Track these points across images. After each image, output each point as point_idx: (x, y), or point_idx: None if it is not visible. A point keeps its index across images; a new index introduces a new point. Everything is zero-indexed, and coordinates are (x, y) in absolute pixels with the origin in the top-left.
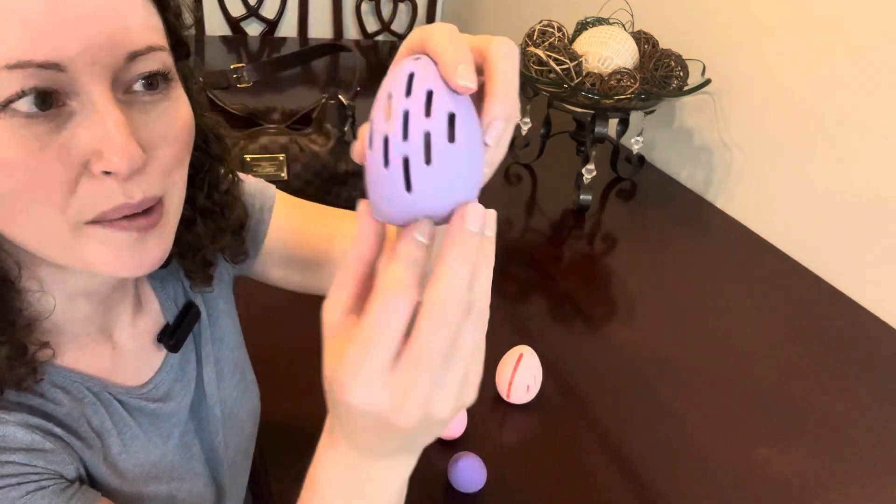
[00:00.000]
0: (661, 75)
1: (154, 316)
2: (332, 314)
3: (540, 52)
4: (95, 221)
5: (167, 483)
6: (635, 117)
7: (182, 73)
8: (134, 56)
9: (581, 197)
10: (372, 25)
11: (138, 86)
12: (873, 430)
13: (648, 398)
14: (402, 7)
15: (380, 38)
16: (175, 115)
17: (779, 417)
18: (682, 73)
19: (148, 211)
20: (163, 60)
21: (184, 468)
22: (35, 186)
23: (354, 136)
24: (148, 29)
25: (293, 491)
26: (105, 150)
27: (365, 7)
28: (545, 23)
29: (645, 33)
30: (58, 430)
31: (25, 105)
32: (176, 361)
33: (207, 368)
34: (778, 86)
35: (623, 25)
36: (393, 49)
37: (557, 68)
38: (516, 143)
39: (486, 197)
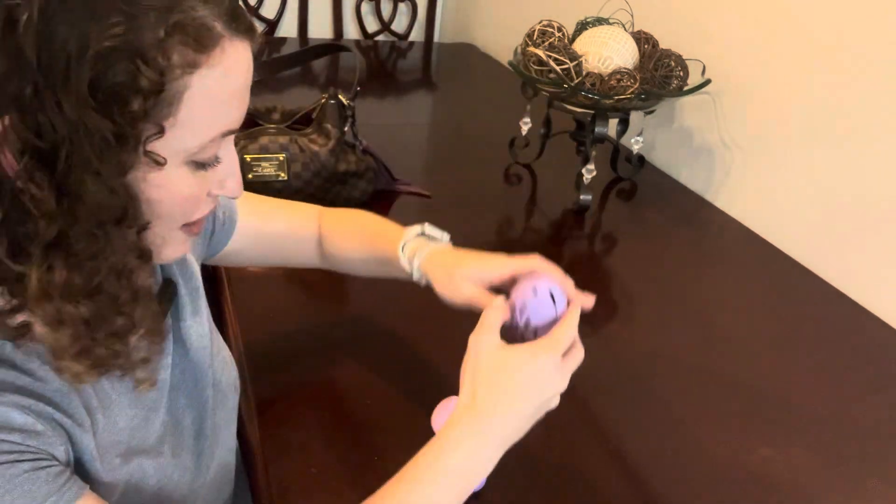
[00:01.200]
0: (661, 75)
1: None
2: (496, 341)
3: (540, 52)
4: (186, 225)
5: (154, 458)
6: (635, 117)
7: None
8: None
9: (581, 197)
10: (372, 25)
11: None
12: (873, 430)
13: (648, 398)
14: (402, 7)
15: (380, 38)
16: None
17: (779, 417)
18: (682, 73)
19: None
20: None
21: (173, 442)
22: (191, 208)
23: (355, 136)
24: None
25: (291, 486)
26: (230, 183)
27: (365, 7)
28: (545, 23)
29: (645, 33)
30: (49, 410)
31: None
32: None
33: (194, 340)
34: (778, 86)
35: (623, 25)
36: (393, 49)
37: (557, 68)
38: (516, 143)
39: (487, 197)
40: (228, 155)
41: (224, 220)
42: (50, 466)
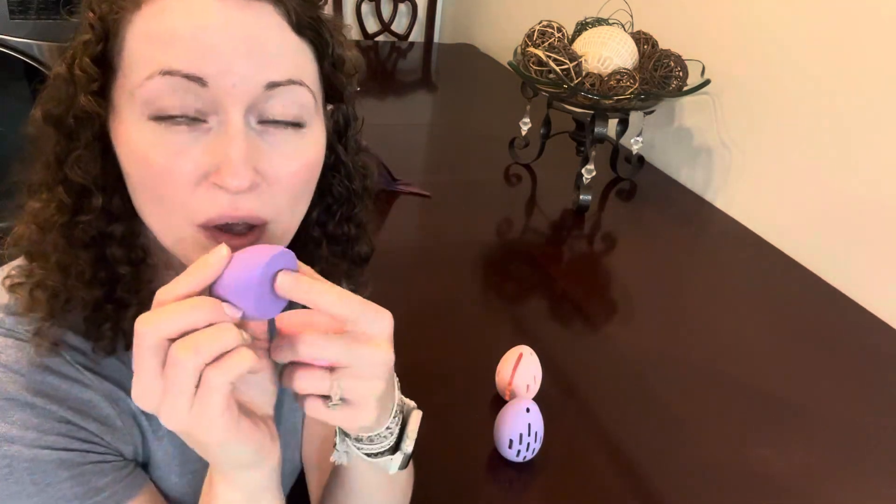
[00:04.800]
0: (660, 75)
1: None
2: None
3: (540, 53)
4: (205, 227)
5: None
6: (635, 117)
7: (338, 117)
8: (273, 86)
9: (581, 197)
10: (372, 26)
11: (274, 122)
12: (872, 429)
13: (648, 398)
14: (402, 7)
15: (380, 38)
16: (301, 154)
17: (778, 417)
18: (681, 74)
19: (247, 232)
20: (301, 96)
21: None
22: (166, 184)
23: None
24: (293, 64)
25: None
26: (222, 168)
27: (365, 8)
28: (545, 23)
29: (644, 34)
30: (135, 408)
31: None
32: None
33: (292, 416)
34: (777, 86)
35: (622, 26)
36: (393, 49)
37: (557, 69)
38: (516, 143)
39: (486, 197)
40: (226, 136)
41: None
42: (115, 461)
